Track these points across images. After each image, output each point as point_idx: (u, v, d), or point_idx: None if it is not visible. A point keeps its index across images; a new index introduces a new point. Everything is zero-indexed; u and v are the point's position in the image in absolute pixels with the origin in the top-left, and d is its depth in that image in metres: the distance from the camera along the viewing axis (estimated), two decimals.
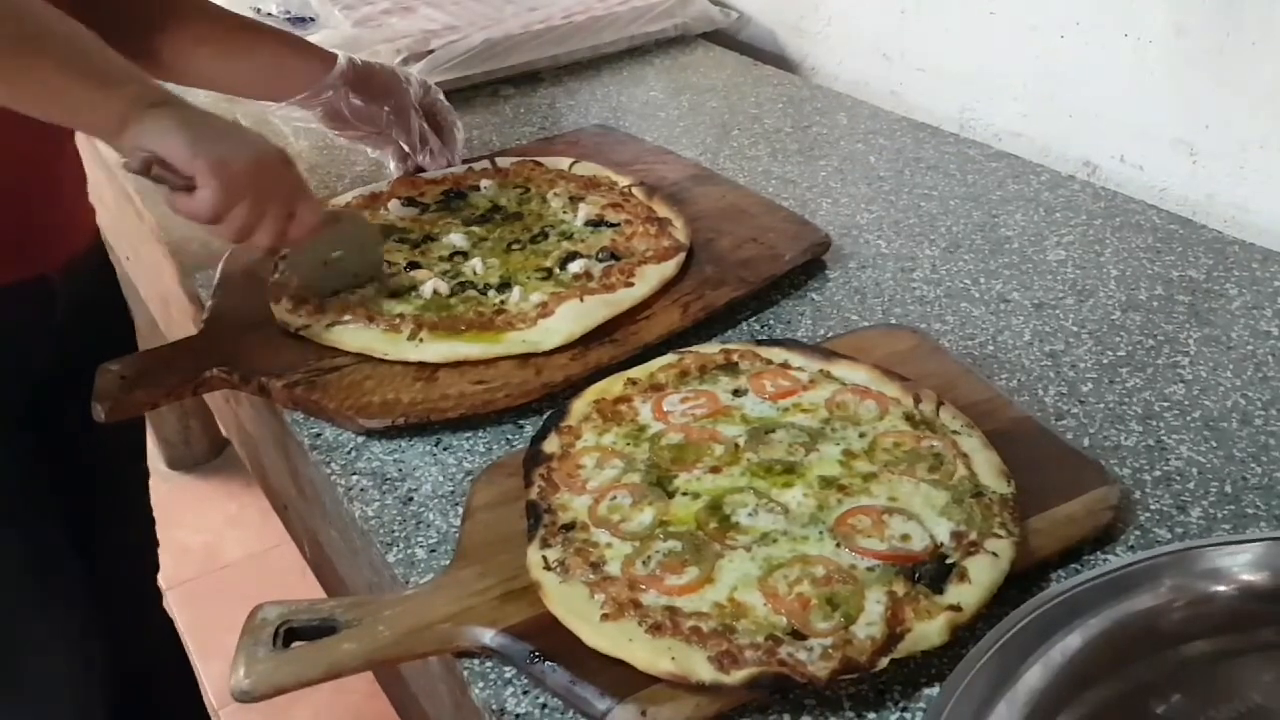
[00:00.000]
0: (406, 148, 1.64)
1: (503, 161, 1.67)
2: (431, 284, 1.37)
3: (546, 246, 1.47)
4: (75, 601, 1.48)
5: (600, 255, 1.42)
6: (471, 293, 1.37)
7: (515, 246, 1.47)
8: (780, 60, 2.32)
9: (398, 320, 1.30)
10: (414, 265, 1.43)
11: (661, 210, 1.51)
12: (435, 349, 1.26)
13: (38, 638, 1.44)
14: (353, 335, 1.29)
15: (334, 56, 1.54)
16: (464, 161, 1.68)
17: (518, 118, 2.00)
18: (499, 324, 1.29)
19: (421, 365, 1.26)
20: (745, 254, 1.44)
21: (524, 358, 1.26)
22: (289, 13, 2.30)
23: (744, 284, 1.39)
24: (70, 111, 1.15)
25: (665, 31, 2.28)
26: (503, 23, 2.17)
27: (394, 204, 1.57)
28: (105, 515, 1.59)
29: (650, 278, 1.37)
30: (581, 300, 1.31)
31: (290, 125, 1.81)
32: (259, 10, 2.22)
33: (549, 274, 1.40)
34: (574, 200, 1.56)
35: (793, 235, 1.48)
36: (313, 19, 2.29)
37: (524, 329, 1.28)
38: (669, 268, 1.39)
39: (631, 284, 1.35)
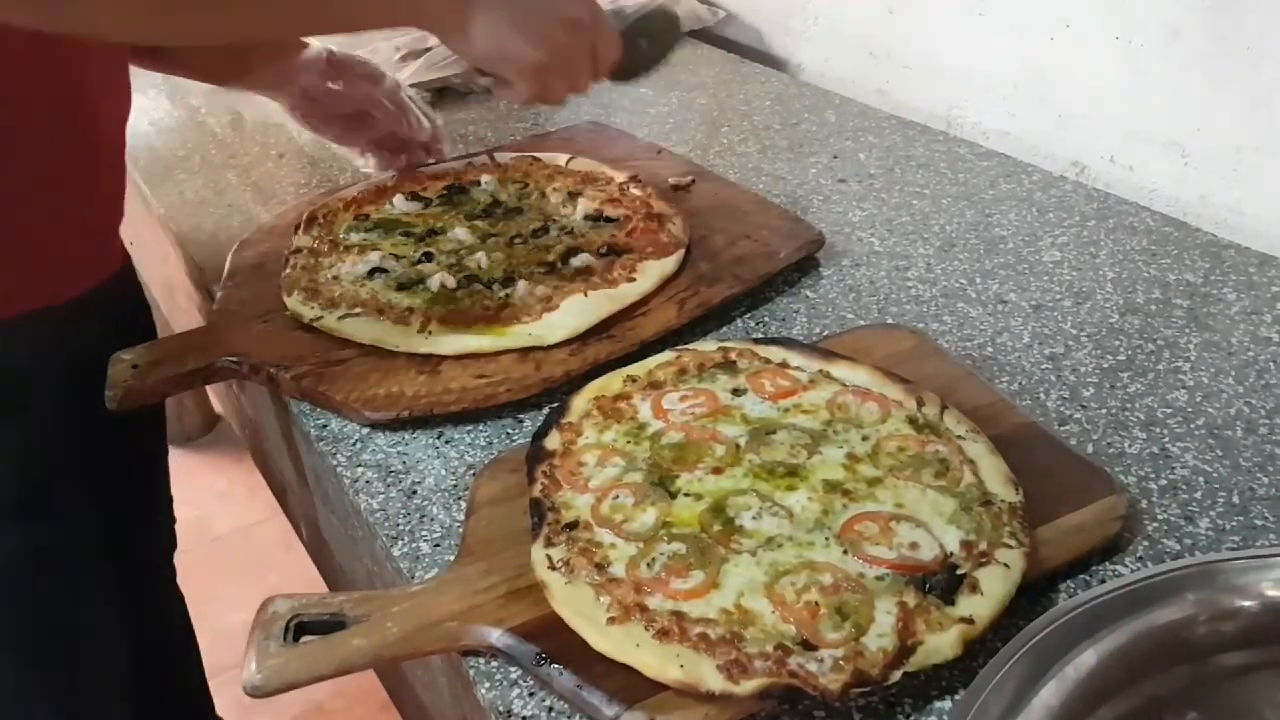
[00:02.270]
0: (391, 126, 1.59)
1: (501, 157, 1.64)
2: (438, 277, 1.33)
3: (548, 241, 1.43)
4: (108, 584, 1.45)
5: (601, 250, 1.38)
6: (477, 287, 1.33)
7: (517, 241, 1.43)
8: (766, 58, 2.28)
9: (407, 313, 1.27)
10: (428, 257, 1.40)
11: (659, 206, 1.47)
12: (444, 341, 1.23)
13: (80, 621, 1.42)
14: (364, 327, 1.26)
15: (307, 42, 1.52)
16: (463, 157, 1.65)
17: (511, 114, 1.96)
18: (505, 317, 1.26)
19: (425, 359, 1.23)
20: (740, 251, 1.40)
21: (524, 352, 1.23)
22: None
23: (739, 281, 1.35)
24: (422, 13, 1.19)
25: None
26: None
27: (398, 199, 1.54)
28: (135, 495, 1.55)
29: (651, 273, 1.33)
30: (585, 295, 1.28)
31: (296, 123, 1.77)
32: None
33: (551, 268, 1.36)
34: (572, 195, 1.52)
35: (786, 232, 1.44)
36: None
37: (529, 322, 1.25)
38: (669, 264, 1.36)
39: (634, 279, 1.32)
